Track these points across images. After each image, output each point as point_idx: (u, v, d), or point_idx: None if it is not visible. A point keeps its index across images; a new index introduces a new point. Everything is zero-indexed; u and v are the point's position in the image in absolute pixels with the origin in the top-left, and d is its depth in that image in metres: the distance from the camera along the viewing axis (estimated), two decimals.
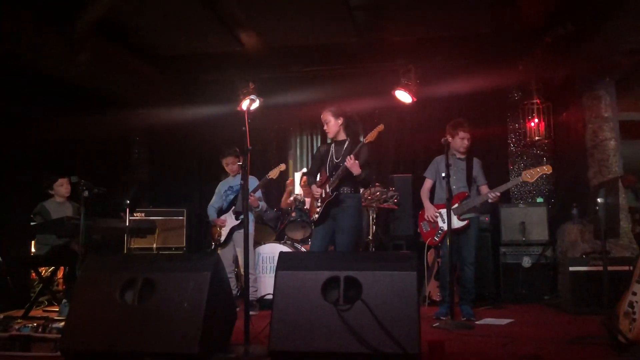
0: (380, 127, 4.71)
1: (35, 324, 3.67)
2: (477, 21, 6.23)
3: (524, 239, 6.36)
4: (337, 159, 4.82)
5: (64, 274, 6.13)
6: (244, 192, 3.83)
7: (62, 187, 5.86)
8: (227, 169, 5.95)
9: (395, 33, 6.56)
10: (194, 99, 7.72)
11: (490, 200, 4.95)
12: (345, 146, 4.84)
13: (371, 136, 4.68)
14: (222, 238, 5.77)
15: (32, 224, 5.61)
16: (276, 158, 8.09)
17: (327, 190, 4.73)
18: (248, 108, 6.89)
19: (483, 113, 7.43)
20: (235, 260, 5.84)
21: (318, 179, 5.03)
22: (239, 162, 5.78)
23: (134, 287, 3.19)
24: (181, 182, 8.32)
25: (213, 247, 5.91)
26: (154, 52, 6.93)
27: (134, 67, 6.86)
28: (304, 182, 6.97)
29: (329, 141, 5.04)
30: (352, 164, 4.54)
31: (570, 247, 5.96)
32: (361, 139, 4.90)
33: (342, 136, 4.90)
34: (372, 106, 7.55)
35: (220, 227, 5.80)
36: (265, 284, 5.92)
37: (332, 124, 4.84)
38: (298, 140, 8.38)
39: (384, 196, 6.40)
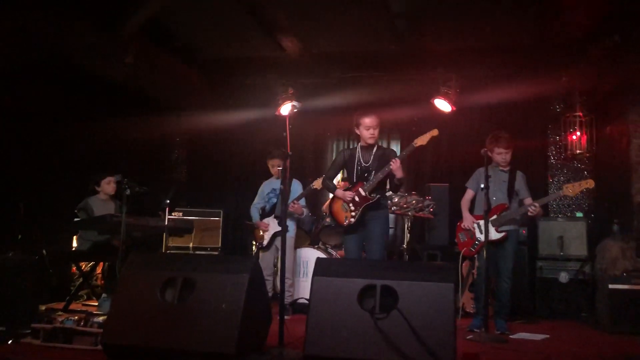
0: (435, 131, 4.60)
1: (77, 317, 3.79)
2: (520, 31, 6.16)
3: (561, 253, 6.23)
4: (366, 163, 4.78)
5: (102, 269, 6.29)
6: (283, 197, 3.87)
7: (109, 184, 6.02)
8: (272, 170, 5.98)
9: (436, 41, 6.53)
10: (233, 102, 7.83)
11: (530, 214, 4.88)
12: (374, 151, 4.81)
13: (422, 140, 4.58)
14: (265, 242, 5.83)
15: (75, 220, 5.78)
16: (313, 163, 8.13)
17: (363, 193, 4.69)
18: (289, 113, 6.93)
19: (523, 124, 7.31)
20: (277, 264, 5.89)
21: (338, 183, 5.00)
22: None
23: (174, 286, 3.26)
24: (218, 184, 8.42)
25: (255, 250, 5.97)
26: (196, 55, 7.06)
27: (176, 70, 7.01)
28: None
29: (355, 146, 4.99)
30: (398, 167, 4.52)
31: (610, 264, 5.81)
32: (379, 145, 4.89)
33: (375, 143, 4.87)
34: (411, 114, 7.52)
35: (263, 231, 5.87)
36: (299, 288, 5.96)
37: (378, 130, 4.79)
38: (335, 145, 8.39)
39: (420, 205, 6.35)
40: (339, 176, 5.68)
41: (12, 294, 4.15)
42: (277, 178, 5.90)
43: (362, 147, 4.88)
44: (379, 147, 4.88)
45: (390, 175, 4.63)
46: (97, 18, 5.53)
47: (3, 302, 4.05)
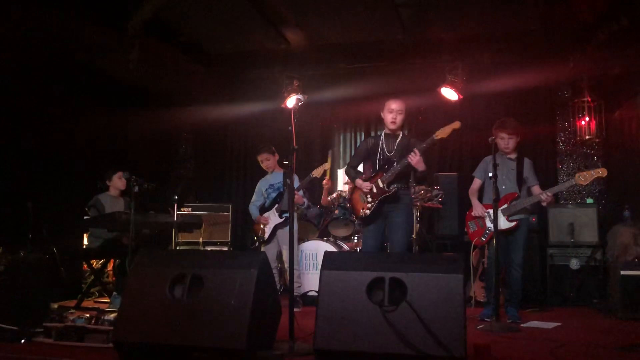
0: (456, 124, 4.51)
1: (88, 315, 3.81)
2: (527, 17, 6.10)
3: (572, 240, 6.19)
4: (389, 153, 4.70)
5: (113, 266, 6.32)
6: (289, 191, 3.85)
7: (120, 179, 6.03)
8: (262, 165, 5.98)
9: (441, 29, 6.48)
10: (239, 96, 7.82)
11: (542, 203, 4.84)
12: (398, 140, 4.72)
13: (444, 132, 4.50)
14: (266, 236, 5.83)
15: (85, 217, 5.80)
16: (319, 155, 8.11)
17: (381, 185, 4.62)
18: (294, 107, 6.90)
19: (531, 111, 7.26)
20: (279, 257, 5.88)
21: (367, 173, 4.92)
22: (275, 158, 5.87)
23: (183, 282, 3.27)
24: (226, 178, 8.45)
25: (256, 244, 5.98)
26: (201, 50, 7.06)
27: (181, 65, 7.01)
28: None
29: (379, 133, 4.90)
30: (418, 160, 4.44)
31: (621, 250, 5.78)
32: (404, 133, 4.80)
33: (398, 130, 4.79)
34: (417, 103, 7.46)
35: (264, 225, 5.86)
36: (309, 281, 5.96)
37: (402, 117, 4.69)
38: (342, 137, 8.38)
39: (429, 195, 6.32)
40: (341, 170, 5.65)
41: (24, 293, 4.18)
42: (271, 173, 5.96)
43: (386, 135, 4.78)
44: (404, 136, 4.77)
45: (411, 167, 4.54)
46: (102, 15, 5.54)
47: (15, 301, 4.08)
